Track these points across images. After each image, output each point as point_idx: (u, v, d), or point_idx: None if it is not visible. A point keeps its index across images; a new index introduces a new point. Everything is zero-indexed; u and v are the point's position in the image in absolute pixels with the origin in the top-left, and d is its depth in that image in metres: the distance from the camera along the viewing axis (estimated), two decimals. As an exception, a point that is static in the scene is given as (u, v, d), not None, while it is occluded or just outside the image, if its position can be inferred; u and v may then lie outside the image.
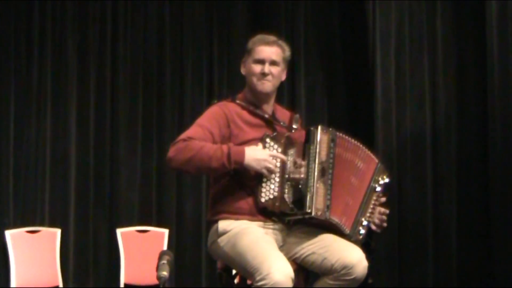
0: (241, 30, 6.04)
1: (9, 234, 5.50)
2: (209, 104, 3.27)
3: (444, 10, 5.60)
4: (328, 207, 3.02)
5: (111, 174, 5.98)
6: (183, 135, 3.03)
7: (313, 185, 3.00)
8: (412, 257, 5.50)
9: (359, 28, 5.97)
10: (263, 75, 3.13)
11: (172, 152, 3.01)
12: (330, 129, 3.13)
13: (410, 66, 5.64)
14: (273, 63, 3.15)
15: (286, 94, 6.09)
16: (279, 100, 5.85)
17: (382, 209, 3.23)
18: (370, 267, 3.06)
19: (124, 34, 6.09)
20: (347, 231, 3.10)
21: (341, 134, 3.15)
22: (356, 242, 3.12)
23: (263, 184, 3.03)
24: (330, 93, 6.18)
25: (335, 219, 3.05)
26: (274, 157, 3.02)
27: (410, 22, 5.67)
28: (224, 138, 3.07)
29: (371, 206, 3.20)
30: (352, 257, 2.99)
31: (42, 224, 5.72)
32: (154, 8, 6.13)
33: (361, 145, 3.21)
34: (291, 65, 6.11)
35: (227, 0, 6.19)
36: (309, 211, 2.98)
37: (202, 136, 3.03)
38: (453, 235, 5.46)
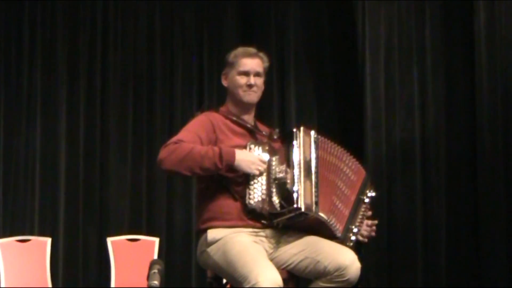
0: (231, 36, 6.06)
1: (-2, 243, 5.49)
2: (195, 114, 3.32)
3: (433, 19, 5.64)
4: (316, 203, 3.05)
5: (101, 183, 5.97)
6: (174, 139, 3.10)
7: (300, 182, 3.04)
8: (402, 264, 5.52)
9: (348, 36, 5.99)
10: (249, 86, 3.20)
11: (163, 153, 3.06)
12: (312, 131, 3.20)
13: (400, 74, 5.67)
14: (257, 74, 3.23)
15: (276, 102, 6.11)
16: (269, 109, 5.93)
17: (370, 221, 3.28)
18: (360, 274, 3.07)
19: (114, 42, 6.10)
20: (339, 234, 3.12)
21: (323, 138, 3.22)
22: (347, 243, 3.16)
23: (250, 187, 3.07)
24: (320, 102, 6.20)
25: (324, 215, 3.07)
26: (262, 161, 3.08)
27: (399, 31, 5.70)
28: (211, 142, 3.13)
29: (360, 217, 3.23)
30: (345, 258, 3.01)
31: (31, 233, 5.70)
32: (144, 15, 6.14)
33: (346, 153, 3.27)
34: (281, 74, 6.15)
35: (217, 6, 6.20)
36: (298, 206, 3.00)
37: (191, 139, 3.09)
38: (442, 243, 5.48)
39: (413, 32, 5.67)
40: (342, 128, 5.99)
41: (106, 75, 6.06)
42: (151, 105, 6.10)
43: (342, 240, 3.13)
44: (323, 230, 3.11)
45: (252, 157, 3.08)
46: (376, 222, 3.30)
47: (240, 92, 3.21)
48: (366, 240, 3.24)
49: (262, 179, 3.08)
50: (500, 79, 5.22)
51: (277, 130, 3.33)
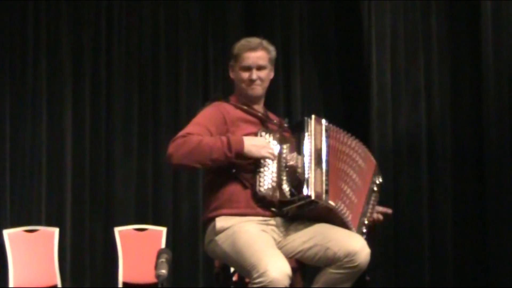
0: (236, 29, 6.05)
1: (7, 233, 5.51)
2: (203, 104, 3.31)
3: (439, 9, 5.63)
4: (326, 191, 3.05)
5: (107, 173, 5.99)
6: (182, 132, 3.07)
7: (311, 171, 3.04)
8: (408, 255, 5.52)
9: (354, 27, 5.99)
10: (251, 81, 3.19)
11: (172, 148, 3.04)
12: (323, 120, 3.19)
13: (405, 65, 5.67)
14: (259, 68, 3.21)
15: (281, 93, 6.10)
16: (275, 100, 5.93)
17: (381, 208, 3.29)
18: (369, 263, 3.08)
19: (118, 35, 6.10)
20: (353, 228, 3.12)
21: (334, 127, 3.21)
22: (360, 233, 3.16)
23: (261, 174, 3.06)
24: (326, 92, 6.20)
25: (333, 204, 3.07)
26: (271, 145, 3.09)
27: (405, 21, 5.69)
28: (222, 135, 3.10)
29: (371, 207, 3.25)
30: (354, 244, 3.00)
31: (38, 223, 5.73)
32: (148, 8, 6.14)
33: (357, 141, 3.26)
34: (287, 64, 6.15)
35: (222, 0, 6.20)
36: (308, 194, 3.00)
37: (200, 132, 3.07)
38: (448, 234, 5.48)
39: (419, 21, 5.66)
40: (348, 119, 5.99)
41: (111, 69, 6.07)
42: (156, 97, 6.11)
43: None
44: (333, 219, 3.11)
45: (261, 141, 3.07)
46: (390, 211, 3.33)
47: (244, 87, 3.21)
48: (372, 222, 3.25)
49: (273, 167, 3.07)
50: (506, 68, 5.21)
51: (286, 119, 3.32)
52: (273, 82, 6.60)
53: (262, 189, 3.05)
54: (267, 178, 3.06)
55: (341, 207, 3.11)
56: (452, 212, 5.49)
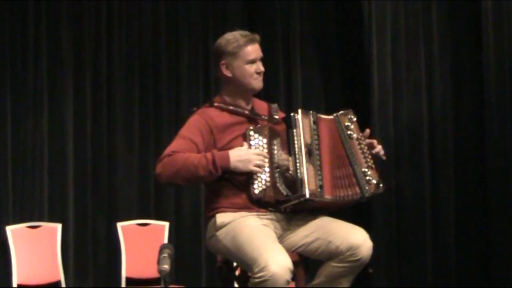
0: (237, 24, 6.03)
1: (9, 229, 5.52)
2: (189, 112, 3.26)
3: (440, 1, 5.61)
4: (321, 186, 3.04)
5: (109, 169, 5.98)
6: (167, 150, 3.07)
7: (303, 168, 3.03)
8: (411, 246, 5.53)
9: (355, 19, 5.98)
10: (259, 74, 3.17)
11: (159, 168, 3.06)
12: (311, 111, 3.17)
13: (406, 57, 5.66)
14: (261, 59, 3.20)
15: (282, 87, 6.10)
16: (276, 93, 5.93)
17: (371, 140, 3.20)
18: (371, 256, 3.07)
19: (119, 30, 6.09)
20: (358, 195, 3.08)
21: (322, 116, 3.18)
22: (376, 191, 3.09)
23: (254, 176, 3.06)
24: (327, 85, 6.19)
25: (330, 197, 3.06)
26: (259, 154, 3.05)
27: (406, 13, 5.67)
28: (209, 145, 3.10)
29: (361, 152, 3.16)
30: (357, 238, 3.00)
31: (41, 219, 5.73)
32: (149, 4, 6.12)
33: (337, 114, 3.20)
34: (287, 57, 6.14)
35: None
36: (303, 193, 3.00)
37: (185, 147, 3.06)
38: (451, 224, 5.48)
39: (419, 14, 5.64)
40: (352, 110, 5.96)
41: (111, 64, 6.05)
42: (157, 92, 6.10)
43: (365, 194, 3.07)
44: (334, 206, 3.12)
45: (247, 155, 3.04)
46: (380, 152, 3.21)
47: (252, 81, 3.16)
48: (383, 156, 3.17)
49: (265, 168, 3.07)
50: (507, 59, 5.20)
51: (275, 105, 3.28)
52: (273, 74, 6.58)
53: (256, 191, 3.05)
54: (261, 180, 3.06)
55: (339, 194, 3.09)
56: (455, 204, 5.49)
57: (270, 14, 6.16)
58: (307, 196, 3.00)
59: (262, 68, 3.17)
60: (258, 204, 3.07)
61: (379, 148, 3.21)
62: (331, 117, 3.22)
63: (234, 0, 6.18)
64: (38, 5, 5.97)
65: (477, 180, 5.41)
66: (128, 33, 6.10)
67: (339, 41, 6.18)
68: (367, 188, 3.10)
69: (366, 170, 3.12)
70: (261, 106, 3.29)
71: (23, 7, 5.94)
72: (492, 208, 5.25)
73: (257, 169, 3.03)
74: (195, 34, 6.16)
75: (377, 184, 3.11)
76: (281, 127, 3.17)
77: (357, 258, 2.99)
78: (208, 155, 3.03)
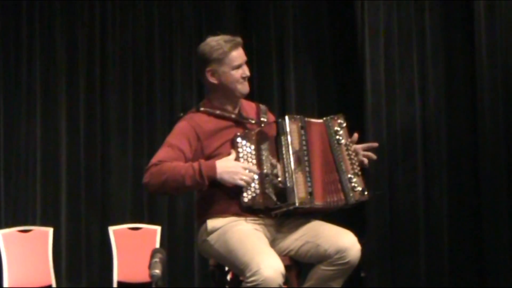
0: (231, 28, 6.03)
1: (1, 234, 5.50)
2: (177, 117, 3.22)
3: (432, 4, 5.62)
4: (311, 193, 3.03)
5: (102, 172, 5.98)
6: (154, 159, 3.04)
7: (292, 176, 3.01)
8: (404, 250, 5.53)
9: (348, 22, 5.98)
10: (244, 78, 3.13)
11: (146, 178, 3.03)
12: (299, 116, 3.13)
13: (399, 59, 5.66)
14: (246, 62, 3.16)
15: (275, 89, 6.09)
16: (269, 97, 5.92)
17: (364, 145, 3.20)
18: (362, 260, 3.07)
19: (113, 33, 6.09)
20: (343, 202, 3.09)
21: (310, 120, 3.15)
22: (360, 199, 3.09)
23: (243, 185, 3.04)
24: (320, 88, 6.19)
25: (320, 203, 3.05)
26: (246, 168, 3.02)
27: (399, 17, 5.68)
28: (196, 152, 3.07)
29: (348, 158, 3.15)
30: (345, 241, 3.00)
31: (33, 223, 5.71)
32: (142, 4, 6.12)
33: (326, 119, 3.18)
34: (281, 60, 6.13)
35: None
36: (292, 201, 2.99)
37: (172, 156, 3.03)
38: (444, 227, 5.48)
39: (412, 17, 5.65)
40: (343, 114, 5.97)
41: (105, 65, 6.05)
42: (151, 95, 6.10)
43: (349, 200, 3.08)
44: (323, 211, 3.12)
45: (234, 167, 3.00)
46: (375, 145, 3.23)
47: (238, 86, 3.12)
48: (367, 165, 3.17)
49: (252, 182, 3.02)
50: (500, 62, 5.21)
51: (263, 107, 3.25)
52: (267, 77, 6.57)
53: (246, 199, 3.03)
54: (251, 188, 3.03)
55: (329, 199, 3.09)
56: (448, 207, 5.49)
57: (263, 18, 6.16)
58: (297, 204, 2.99)
59: (247, 73, 3.14)
60: (249, 211, 3.05)
61: (361, 155, 3.18)
62: (320, 121, 3.21)
63: (228, 3, 6.18)
64: (31, 8, 5.97)
65: (470, 183, 5.41)
66: (122, 36, 6.09)
67: (333, 45, 6.18)
68: (351, 195, 3.10)
69: (352, 176, 3.11)
70: (250, 108, 3.26)
71: (16, 10, 5.96)
72: (485, 211, 5.25)
73: (243, 183, 3.00)
74: (189, 37, 6.15)
75: (362, 192, 3.11)
76: (270, 129, 3.14)
77: (346, 261, 3.00)
78: (195, 164, 3.00)
